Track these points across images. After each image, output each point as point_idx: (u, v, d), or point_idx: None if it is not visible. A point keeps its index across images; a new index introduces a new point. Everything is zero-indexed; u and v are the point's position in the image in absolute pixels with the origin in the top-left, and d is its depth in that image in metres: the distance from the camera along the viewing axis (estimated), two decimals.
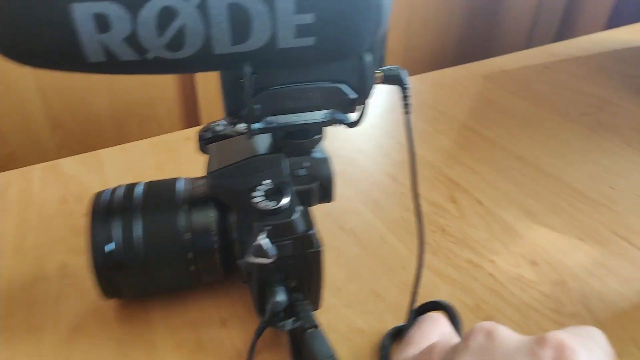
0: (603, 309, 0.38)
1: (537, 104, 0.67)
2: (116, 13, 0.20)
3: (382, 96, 0.69)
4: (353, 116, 0.32)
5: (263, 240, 0.30)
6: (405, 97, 0.31)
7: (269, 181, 0.32)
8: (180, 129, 0.75)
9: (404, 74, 0.31)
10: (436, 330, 0.28)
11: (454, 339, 0.26)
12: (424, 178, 0.52)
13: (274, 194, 0.32)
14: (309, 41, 0.24)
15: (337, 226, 0.46)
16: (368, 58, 0.28)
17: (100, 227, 0.33)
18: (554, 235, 0.45)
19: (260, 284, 0.33)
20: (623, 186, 0.51)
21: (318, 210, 0.36)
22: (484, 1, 1.05)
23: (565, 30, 1.18)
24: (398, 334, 0.36)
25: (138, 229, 0.33)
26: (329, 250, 0.43)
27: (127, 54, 0.22)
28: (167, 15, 0.21)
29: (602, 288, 0.40)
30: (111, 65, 0.22)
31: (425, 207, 0.48)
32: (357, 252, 0.43)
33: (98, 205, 0.34)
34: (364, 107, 0.31)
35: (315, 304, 0.36)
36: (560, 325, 0.37)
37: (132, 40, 0.21)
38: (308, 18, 0.23)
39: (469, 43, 1.08)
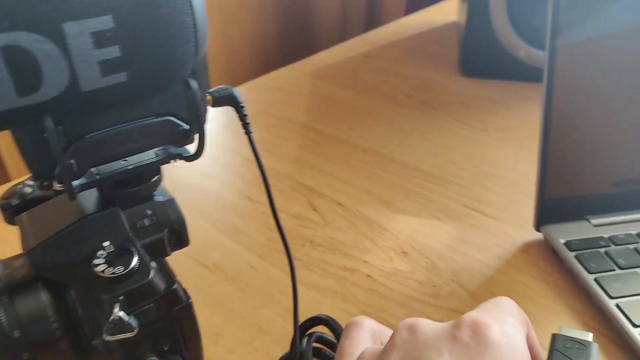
0: (472, 281, 0.40)
1: (367, 92, 0.69)
2: None
3: (214, 112, 0.65)
4: (190, 147, 0.29)
5: (119, 314, 0.25)
6: (242, 117, 0.29)
7: (108, 243, 0.27)
8: None
9: (236, 92, 0.29)
10: (364, 333, 0.27)
11: (385, 334, 0.26)
12: (279, 191, 0.50)
13: (119, 256, 0.27)
14: (120, 77, 0.21)
15: (199, 265, 0.42)
16: (194, 84, 0.25)
17: None
18: (414, 221, 0.46)
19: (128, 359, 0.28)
20: (461, 159, 0.54)
21: (173, 253, 0.32)
22: (293, 2, 1.06)
23: (372, 18, 1.26)
24: None
25: None
26: (196, 295, 0.38)
27: None
28: None
29: (467, 261, 0.42)
30: None
31: (287, 221, 0.46)
32: (228, 289, 0.39)
33: None
34: (201, 135, 0.27)
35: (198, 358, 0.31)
36: (441, 308, 0.38)
37: None
38: (113, 52, 0.20)
39: (288, 41, 1.09)
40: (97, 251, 0.27)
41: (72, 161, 0.24)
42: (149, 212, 0.30)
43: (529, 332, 0.25)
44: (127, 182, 0.29)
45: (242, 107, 0.29)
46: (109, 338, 0.25)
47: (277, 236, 0.45)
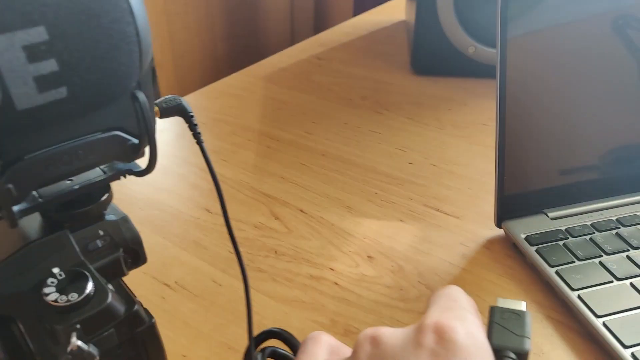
0: (439, 282, 0.40)
1: (321, 95, 0.68)
2: None
3: (166, 122, 0.63)
4: (140, 162, 0.27)
5: (77, 343, 0.24)
6: (192, 126, 0.28)
7: (57, 270, 0.25)
8: None
9: (184, 102, 0.28)
10: (321, 348, 0.26)
11: (343, 351, 0.26)
12: (238, 201, 0.49)
13: (72, 282, 0.25)
14: (59, 93, 0.19)
15: (160, 284, 0.40)
16: (141, 96, 0.24)
17: None
18: (377, 224, 0.46)
19: None
20: (419, 159, 0.55)
21: (131, 272, 0.30)
22: (241, 4, 1.05)
23: (320, 19, 1.26)
24: None
25: None
26: (160, 316, 0.36)
27: None
28: None
29: (432, 262, 0.42)
30: None
31: (250, 232, 0.45)
32: (192, 308, 0.38)
33: None
34: (152, 149, 0.26)
35: None
36: (410, 311, 0.38)
37: None
38: (49, 66, 0.18)
39: (237, 44, 1.08)
40: (47, 279, 0.25)
41: (10, 185, 0.22)
42: (101, 232, 0.28)
43: None
44: (74, 203, 0.27)
45: (192, 116, 0.28)
46: None
47: (241, 248, 0.43)
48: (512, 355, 0.28)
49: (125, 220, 0.29)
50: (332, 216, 0.47)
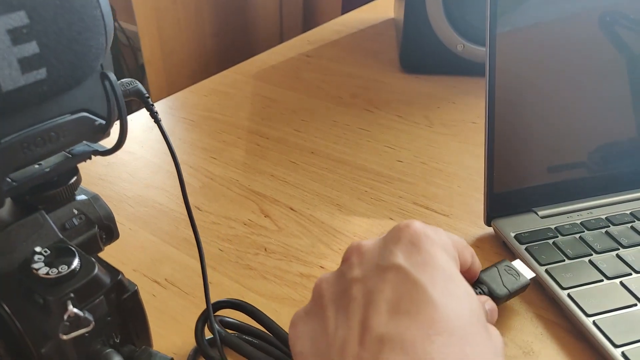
0: None
1: (311, 93, 0.68)
2: None
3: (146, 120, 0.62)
4: (105, 142, 0.28)
5: (74, 310, 0.25)
6: (149, 107, 0.30)
7: (40, 248, 0.26)
8: None
9: (140, 85, 0.30)
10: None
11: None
12: (228, 198, 0.48)
13: (58, 257, 0.26)
14: (40, 74, 0.21)
15: (150, 281, 0.39)
16: (112, 76, 0.25)
17: None
18: (367, 222, 0.46)
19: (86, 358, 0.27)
20: (408, 157, 0.55)
21: (121, 269, 0.30)
22: (230, 1, 1.04)
23: (309, 17, 1.25)
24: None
25: None
26: (150, 314, 0.36)
27: None
28: None
29: None
30: None
31: (239, 230, 0.45)
32: (183, 304, 0.38)
33: None
34: (122, 126, 0.27)
35: (148, 344, 0.31)
36: None
37: None
38: (31, 48, 0.20)
39: (227, 41, 1.07)
40: (33, 257, 0.26)
41: None
42: (75, 211, 0.29)
43: (474, 260, 0.32)
44: (46, 185, 0.28)
45: (148, 97, 0.30)
46: (65, 337, 0.24)
47: (230, 245, 0.43)
48: (485, 289, 0.34)
49: (96, 198, 0.30)
50: (322, 214, 0.47)
